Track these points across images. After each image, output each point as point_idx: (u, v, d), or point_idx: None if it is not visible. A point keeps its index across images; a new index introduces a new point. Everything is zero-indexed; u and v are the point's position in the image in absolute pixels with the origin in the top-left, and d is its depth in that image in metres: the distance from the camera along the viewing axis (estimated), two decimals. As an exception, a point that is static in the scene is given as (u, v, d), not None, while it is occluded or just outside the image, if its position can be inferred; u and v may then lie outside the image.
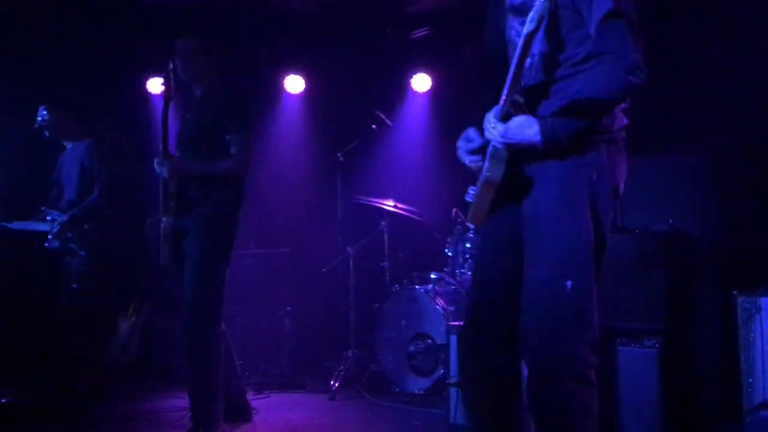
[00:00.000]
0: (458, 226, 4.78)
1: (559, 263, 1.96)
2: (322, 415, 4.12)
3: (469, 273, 4.60)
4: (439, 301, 4.55)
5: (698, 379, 3.24)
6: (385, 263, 5.18)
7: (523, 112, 1.99)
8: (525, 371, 2.07)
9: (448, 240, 4.86)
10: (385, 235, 5.18)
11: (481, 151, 2.16)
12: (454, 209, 4.83)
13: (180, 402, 4.05)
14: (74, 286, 4.56)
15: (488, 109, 2.07)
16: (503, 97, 1.99)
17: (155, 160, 3.44)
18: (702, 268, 3.36)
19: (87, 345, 4.61)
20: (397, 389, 4.61)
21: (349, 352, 4.90)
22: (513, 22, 2.11)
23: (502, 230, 2.18)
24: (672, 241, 3.34)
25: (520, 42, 1.90)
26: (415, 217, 5.15)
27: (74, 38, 5.66)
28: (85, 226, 4.62)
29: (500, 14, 2.19)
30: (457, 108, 6.13)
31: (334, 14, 6.02)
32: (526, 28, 1.88)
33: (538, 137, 1.94)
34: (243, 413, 3.81)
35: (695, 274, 3.36)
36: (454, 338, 3.62)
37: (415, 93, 6.38)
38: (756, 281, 2.82)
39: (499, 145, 2.00)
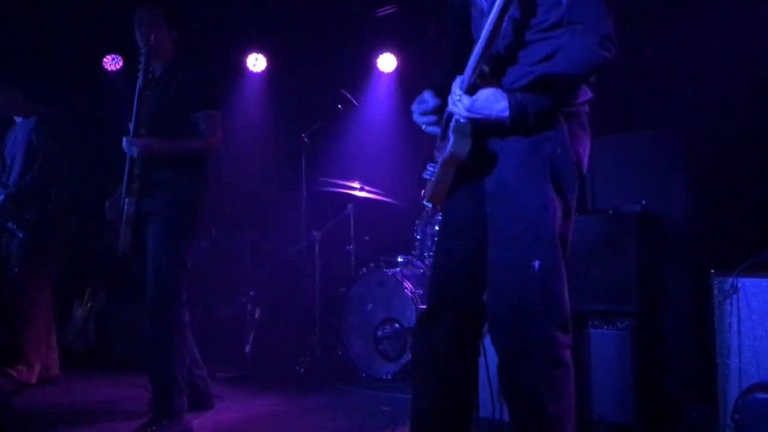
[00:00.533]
0: (426, 209, 4.69)
1: (525, 242, 1.89)
2: (288, 402, 4.00)
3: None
4: (407, 284, 4.47)
5: (671, 361, 3.21)
6: (350, 246, 5.07)
7: (491, 85, 1.88)
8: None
9: (416, 223, 4.77)
10: (351, 218, 5.07)
11: (435, 111, 2.07)
12: (423, 191, 4.73)
13: (139, 391, 3.89)
14: (15, 270, 4.32)
15: (447, 73, 1.98)
16: (470, 67, 1.87)
17: (124, 139, 3.26)
18: (675, 250, 3.32)
19: (38, 332, 4.38)
20: (365, 374, 4.52)
21: (315, 338, 4.78)
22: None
23: (464, 209, 2.10)
24: (644, 222, 3.30)
25: (495, 9, 1.76)
26: (382, 198, 5.04)
27: (28, 11, 5.39)
28: (24, 207, 4.35)
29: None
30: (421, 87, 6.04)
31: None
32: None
33: (506, 113, 1.84)
34: (206, 401, 3.69)
35: (668, 256, 3.32)
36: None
37: (381, 73, 6.25)
38: (731, 262, 2.77)
39: (462, 120, 1.89)
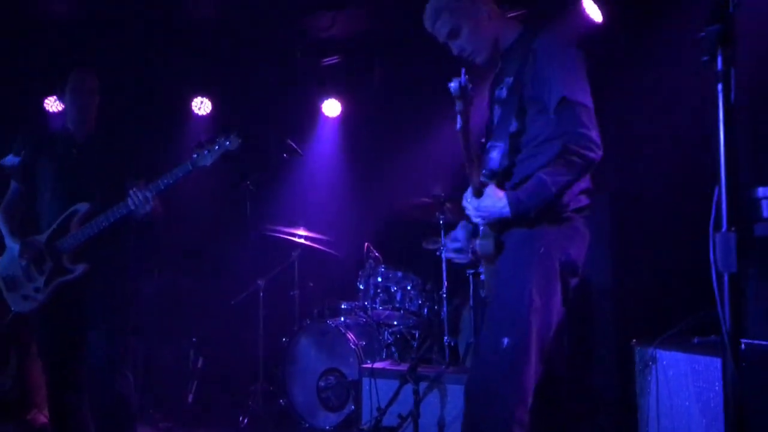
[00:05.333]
0: (370, 260, 4.80)
1: (500, 324, 2.19)
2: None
3: (380, 308, 4.63)
4: (350, 335, 4.56)
5: (598, 425, 3.38)
6: (294, 292, 5.15)
7: (493, 186, 2.22)
8: None
9: (360, 273, 4.87)
10: (296, 264, 5.14)
11: (463, 251, 2.47)
12: (366, 244, 4.86)
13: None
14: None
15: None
16: (474, 173, 2.24)
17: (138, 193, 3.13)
18: (601, 316, 3.51)
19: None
20: (307, 425, 4.57)
21: (258, 387, 4.82)
22: (497, 110, 2.43)
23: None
24: (584, 287, 3.48)
25: (461, 135, 2.17)
26: (324, 248, 5.14)
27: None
28: None
29: (491, 103, 2.50)
30: (366, 133, 6.19)
31: (243, 36, 5.94)
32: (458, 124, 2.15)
33: (507, 209, 2.17)
34: None
35: (596, 321, 3.51)
36: (366, 380, 3.63)
37: (326, 118, 6.37)
38: (655, 327, 2.97)
39: (479, 221, 2.27)
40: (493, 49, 2.45)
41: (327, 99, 6.27)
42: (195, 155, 3.15)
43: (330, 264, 5.53)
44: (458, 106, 2.14)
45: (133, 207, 3.11)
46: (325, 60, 6.24)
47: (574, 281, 2.30)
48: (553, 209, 2.22)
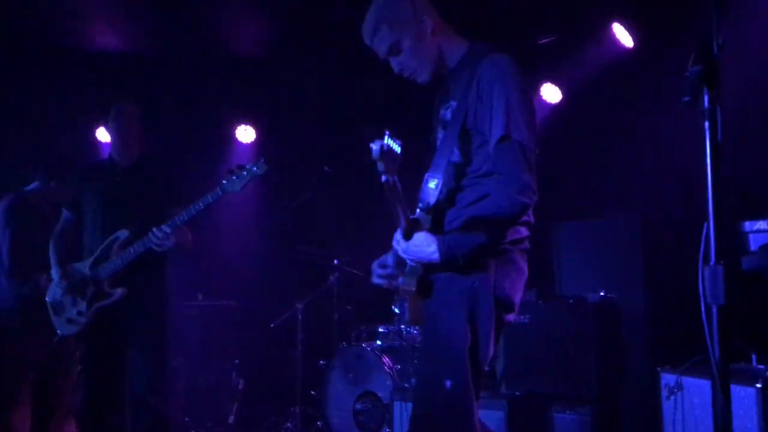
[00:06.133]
0: (404, 285, 4.85)
1: (437, 364, 2.14)
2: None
3: (415, 331, 4.69)
4: (386, 359, 4.62)
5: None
6: (333, 315, 5.24)
7: (422, 229, 2.13)
8: None
9: (395, 297, 4.94)
10: (335, 289, 5.25)
11: (391, 277, 2.36)
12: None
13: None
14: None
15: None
16: (402, 217, 2.14)
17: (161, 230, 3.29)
18: (631, 338, 3.51)
19: None
20: (343, 447, 4.64)
21: (296, 408, 4.92)
22: (440, 133, 2.31)
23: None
24: (603, 312, 3.49)
25: (385, 187, 2.07)
26: (360, 273, 5.23)
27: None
28: None
29: (435, 121, 2.38)
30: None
31: (284, 67, 6.14)
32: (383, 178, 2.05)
33: (436, 255, 2.09)
34: None
35: (625, 344, 3.51)
36: (397, 404, 3.69)
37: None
38: (682, 353, 2.95)
39: (410, 263, 2.17)
40: (437, 68, 2.29)
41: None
42: (225, 181, 3.29)
43: (368, 288, 5.60)
44: (380, 167, 2.02)
45: (153, 244, 3.27)
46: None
47: (509, 317, 2.22)
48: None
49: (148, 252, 3.32)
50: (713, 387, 1.35)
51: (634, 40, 4.31)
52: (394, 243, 2.18)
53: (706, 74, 1.36)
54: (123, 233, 3.38)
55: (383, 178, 2.04)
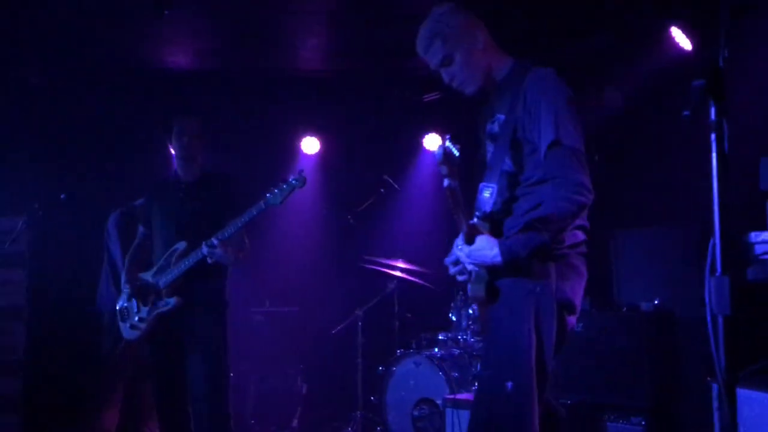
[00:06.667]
0: (460, 292, 4.90)
1: (501, 367, 2.20)
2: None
3: (472, 339, 4.72)
4: (443, 366, 4.66)
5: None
6: (395, 322, 5.33)
7: (483, 233, 2.22)
8: None
9: (452, 305, 4.98)
10: (395, 296, 5.34)
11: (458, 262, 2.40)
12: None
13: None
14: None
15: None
16: (463, 222, 2.24)
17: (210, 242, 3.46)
18: (688, 349, 3.44)
19: None
20: (402, 452, 4.71)
21: (357, 413, 5.03)
22: (489, 146, 2.41)
23: None
24: (657, 321, 3.44)
25: (448, 192, 2.21)
26: (418, 281, 5.29)
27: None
28: None
29: (483, 136, 2.49)
30: (467, 167, 6.31)
31: (347, 76, 6.30)
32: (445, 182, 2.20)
33: (498, 258, 2.16)
34: None
35: (681, 355, 3.44)
36: (449, 411, 3.74)
37: (427, 152, 6.58)
38: (737, 366, 2.88)
39: (472, 268, 2.24)
40: (485, 81, 2.40)
41: (428, 134, 6.50)
42: (268, 194, 3.45)
43: (429, 296, 5.67)
44: (443, 170, 2.16)
45: (203, 255, 3.47)
46: (426, 96, 6.46)
47: (571, 319, 2.27)
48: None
49: (202, 263, 3.49)
50: (719, 395, 1.35)
51: (692, 44, 4.22)
52: (455, 249, 2.29)
53: (711, 87, 1.37)
54: (181, 245, 3.57)
55: (445, 182, 2.18)
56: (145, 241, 3.84)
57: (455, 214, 2.25)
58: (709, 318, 1.37)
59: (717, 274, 1.37)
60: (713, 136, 1.40)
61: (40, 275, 5.89)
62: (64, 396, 5.16)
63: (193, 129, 3.74)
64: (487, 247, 2.18)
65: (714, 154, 1.40)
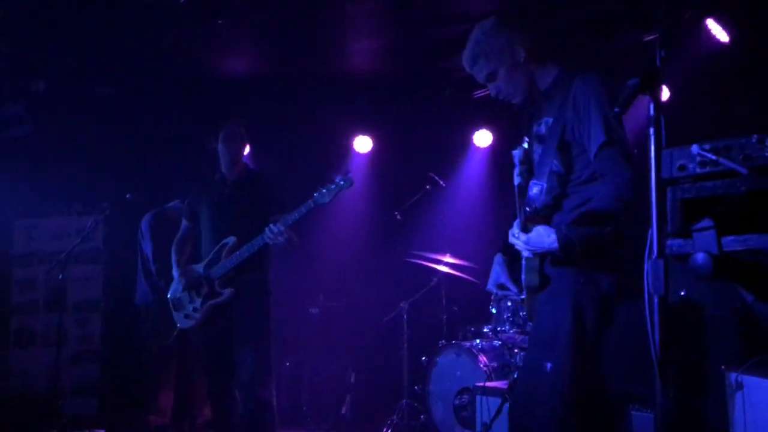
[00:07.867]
0: (501, 285, 4.99)
1: (543, 349, 2.40)
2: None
3: (511, 331, 4.82)
4: (482, 357, 4.79)
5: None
6: (442, 316, 5.49)
7: (539, 223, 2.42)
8: None
9: (492, 297, 5.09)
10: (442, 289, 5.49)
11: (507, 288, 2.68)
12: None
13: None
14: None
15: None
16: (519, 214, 2.45)
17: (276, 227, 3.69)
18: (715, 339, 3.44)
19: None
20: (444, 440, 4.87)
21: (403, 402, 5.21)
22: (537, 147, 2.57)
23: None
24: (682, 312, 3.45)
25: (516, 188, 2.47)
26: (464, 276, 5.41)
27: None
28: None
29: (526, 134, 2.66)
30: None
31: (399, 78, 6.48)
32: (516, 180, 2.46)
33: (555, 244, 2.35)
34: None
35: (707, 344, 3.45)
36: (479, 398, 3.87)
37: (477, 148, 6.69)
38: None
39: (528, 255, 2.44)
40: (530, 91, 2.59)
41: (478, 130, 6.61)
42: (316, 194, 3.65)
43: (475, 290, 5.78)
44: (518, 169, 2.40)
45: (268, 239, 3.67)
46: (477, 92, 6.57)
47: (616, 307, 2.41)
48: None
49: (251, 256, 3.74)
50: (654, 377, 1.46)
51: (729, 36, 4.19)
52: (511, 237, 2.47)
53: (646, 84, 1.49)
54: (231, 239, 3.84)
55: (516, 180, 2.44)
56: (188, 235, 4.13)
57: (517, 207, 2.46)
58: (646, 298, 1.49)
59: (653, 257, 1.49)
60: (651, 130, 1.51)
61: (114, 270, 6.38)
62: (132, 381, 5.59)
63: (237, 134, 4.04)
64: (545, 234, 2.36)
65: (652, 147, 1.51)
